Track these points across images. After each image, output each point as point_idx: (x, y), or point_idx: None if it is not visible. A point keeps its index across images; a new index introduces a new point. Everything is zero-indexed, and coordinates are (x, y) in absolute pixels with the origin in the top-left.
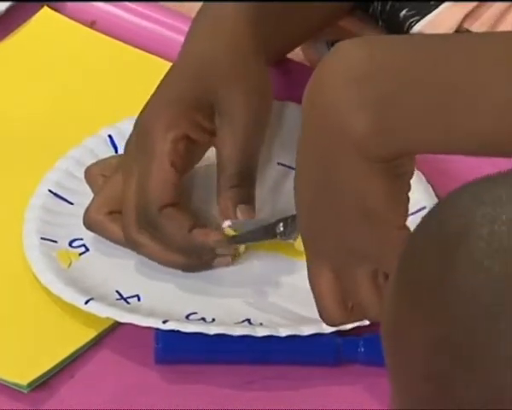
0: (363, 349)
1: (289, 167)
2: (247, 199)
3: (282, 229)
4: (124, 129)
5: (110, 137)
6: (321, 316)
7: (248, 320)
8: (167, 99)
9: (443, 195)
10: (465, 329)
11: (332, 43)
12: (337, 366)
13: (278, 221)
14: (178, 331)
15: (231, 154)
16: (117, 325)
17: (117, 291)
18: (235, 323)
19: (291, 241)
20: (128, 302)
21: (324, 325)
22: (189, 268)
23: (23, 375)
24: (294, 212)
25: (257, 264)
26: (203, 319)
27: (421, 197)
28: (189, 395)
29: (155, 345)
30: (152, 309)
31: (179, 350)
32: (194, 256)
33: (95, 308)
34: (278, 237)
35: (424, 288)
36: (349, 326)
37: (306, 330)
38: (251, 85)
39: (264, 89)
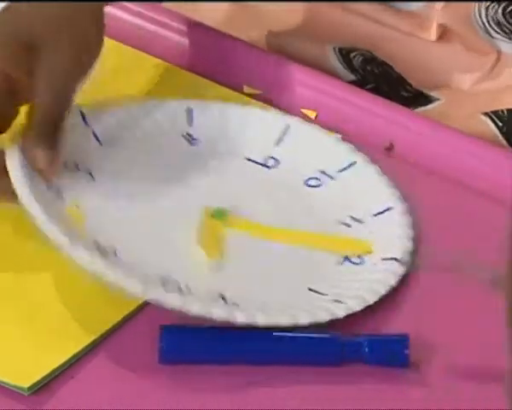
0: (367, 349)
1: (257, 163)
2: (52, 145)
3: None
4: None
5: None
6: None
7: (223, 297)
8: None
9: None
10: None
11: (340, 50)
12: (341, 366)
13: None
14: (183, 331)
15: (42, 101)
16: (118, 327)
17: (95, 241)
18: (210, 297)
19: None
20: (106, 253)
21: (302, 318)
22: None
23: (24, 378)
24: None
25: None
26: (179, 288)
27: (387, 198)
28: (192, 395)
29: (159, 344)
30: (130, 266)
31: (183, 350)
32: None
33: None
34: None
35: None
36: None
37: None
38: (77, 35)
39: (91, 41)
